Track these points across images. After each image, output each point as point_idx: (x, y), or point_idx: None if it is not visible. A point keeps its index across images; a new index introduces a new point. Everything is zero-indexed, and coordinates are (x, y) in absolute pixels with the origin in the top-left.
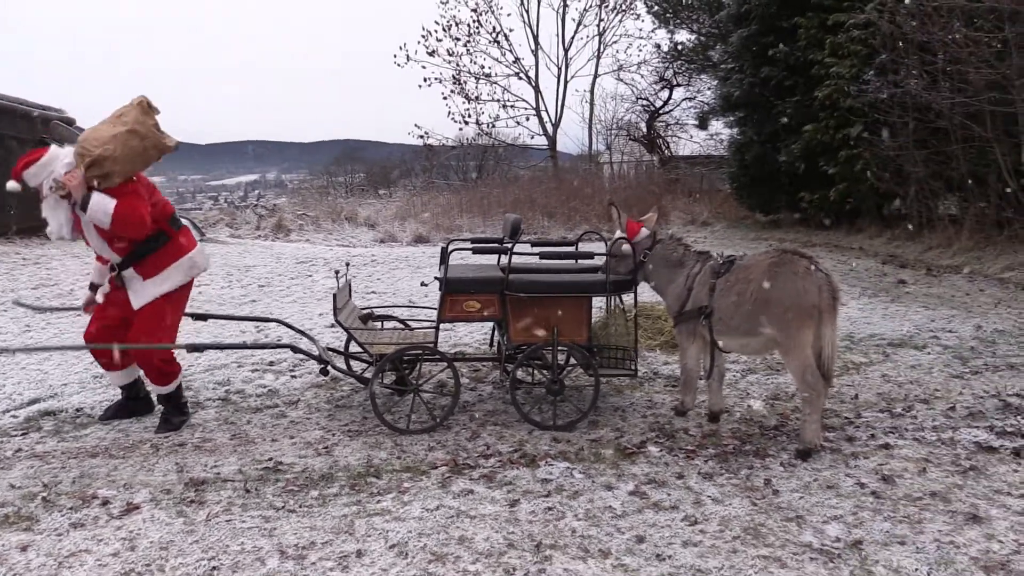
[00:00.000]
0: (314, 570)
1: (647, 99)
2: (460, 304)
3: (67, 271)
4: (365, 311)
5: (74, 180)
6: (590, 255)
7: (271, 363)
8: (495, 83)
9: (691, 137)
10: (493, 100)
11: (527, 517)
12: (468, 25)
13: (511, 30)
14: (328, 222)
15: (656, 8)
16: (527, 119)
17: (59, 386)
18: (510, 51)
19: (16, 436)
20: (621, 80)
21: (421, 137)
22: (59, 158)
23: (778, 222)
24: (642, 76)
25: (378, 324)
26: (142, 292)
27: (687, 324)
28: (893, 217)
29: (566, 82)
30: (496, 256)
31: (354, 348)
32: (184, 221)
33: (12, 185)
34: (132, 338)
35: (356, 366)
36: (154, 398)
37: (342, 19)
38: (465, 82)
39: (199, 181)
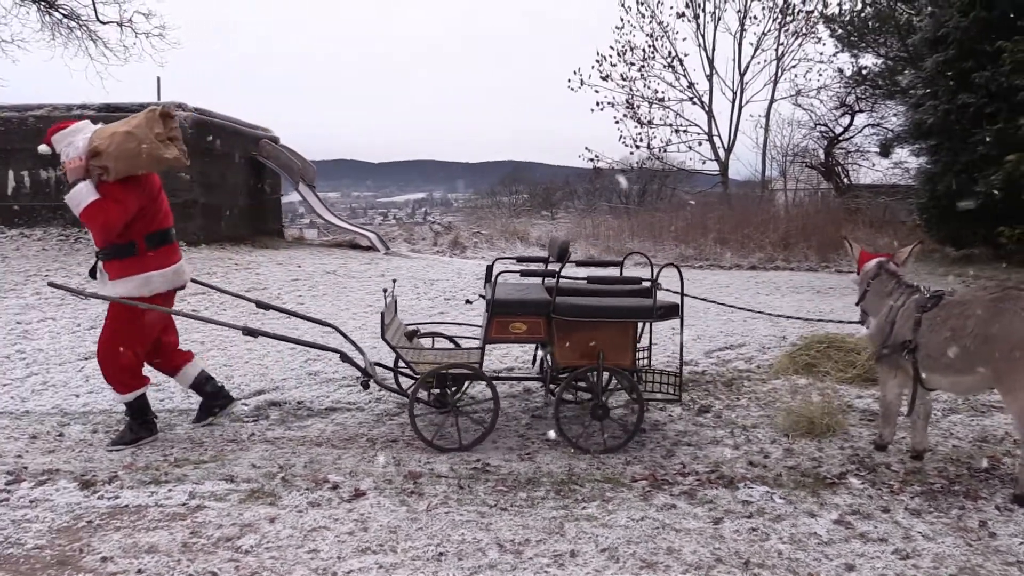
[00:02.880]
0: (531, 565)
1: (826, 125)
2: (507, 326)
3: (274, 277)
4: (411, 328)
5: (72, 164)
6: (637, 280)
7: None
8: (667, 107)
9: (873, 166)
10: (665, 125)
11: (731, 535)
12: (643, 50)
13: (686, 55)
14: (501, 241)
15: (840, 32)
16: (700, 144)
17: (279, 380)
18: (684, 76)
19: (249, 422)
20: (799, 105)
21: (591, 160)
22: (82, 132)
23: (971, 257)
24: (821, 101)
25: (428, 341)
26: (103, 289)
27: (889, 358)
28: None
29: (740, 107)
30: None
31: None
32: (370, 235)
33: (43, 148)
34: (102, 334)
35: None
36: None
37: (507, 44)
38: (638, 106)
39: (370, 197)
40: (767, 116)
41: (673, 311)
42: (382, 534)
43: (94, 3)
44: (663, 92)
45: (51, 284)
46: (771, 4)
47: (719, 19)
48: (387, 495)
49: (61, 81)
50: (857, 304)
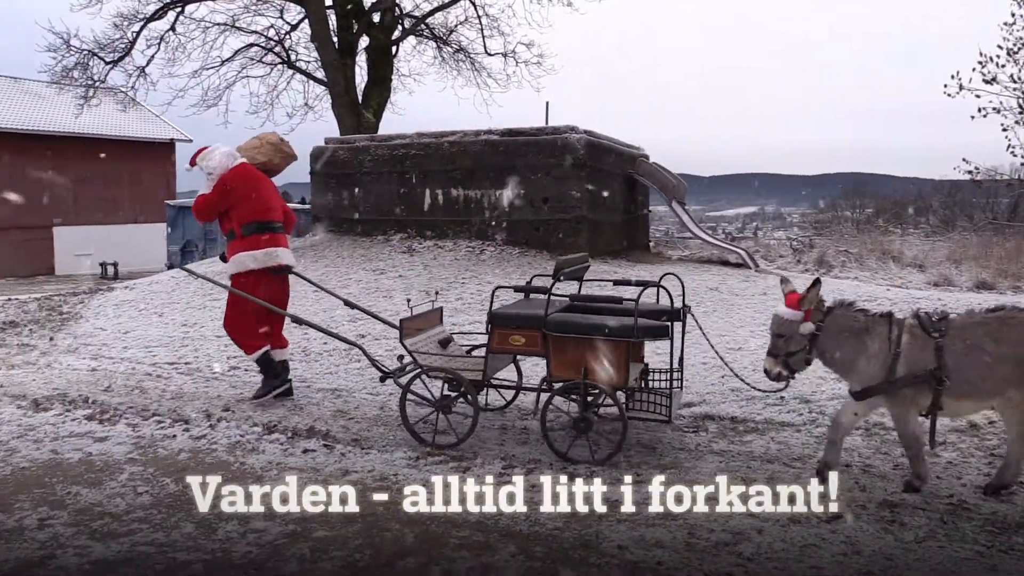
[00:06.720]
0: None
1: None
2: (506, 338)
3: (661, 291)
4: (445, 336)
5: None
6: (618, 299)
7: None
8: None
9: None
10: None
11: None
12: None
13: None
14: (871, 260)
15: None
16: None
17: (704, 394)
18: None
19: (689, 432)
20: None
21: (969, 172)
22: (218, 150)
23: None
24: None
25: (463, 349)
26: (227, 269)
27: (904, 392)
28: None
29: None
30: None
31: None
32: (740, 251)
33: (188, 168)
34: (225, 311)
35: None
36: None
37: (863, 56)
38: None
39: (699, 211)
40: None
41: (662, 332)
42: (878, 559)
43: (483, 38)
44: None
45: (183, 268)
46: None
47: None
48: (866, 520)
49: (449, 109)
50: (808, 352)
